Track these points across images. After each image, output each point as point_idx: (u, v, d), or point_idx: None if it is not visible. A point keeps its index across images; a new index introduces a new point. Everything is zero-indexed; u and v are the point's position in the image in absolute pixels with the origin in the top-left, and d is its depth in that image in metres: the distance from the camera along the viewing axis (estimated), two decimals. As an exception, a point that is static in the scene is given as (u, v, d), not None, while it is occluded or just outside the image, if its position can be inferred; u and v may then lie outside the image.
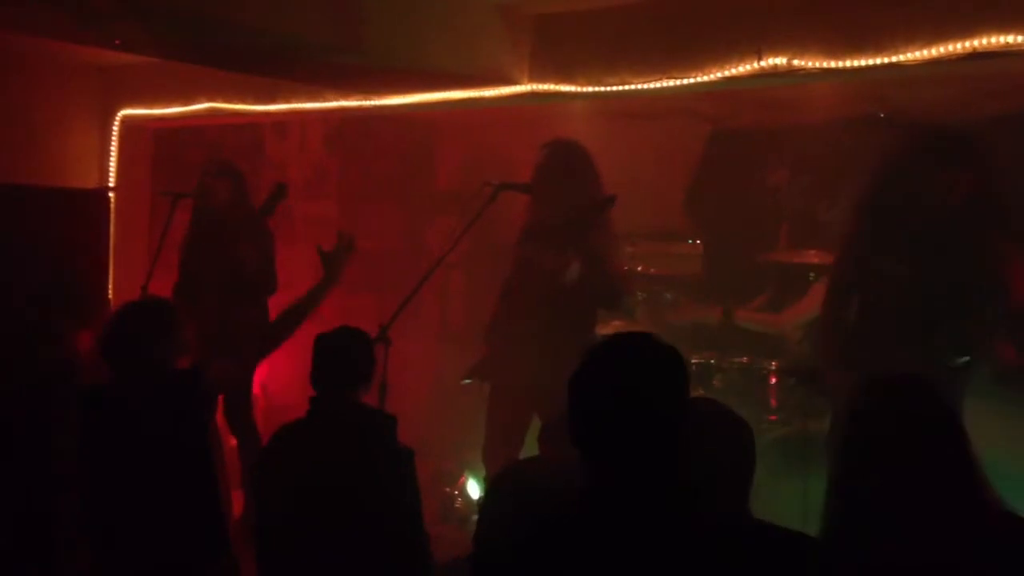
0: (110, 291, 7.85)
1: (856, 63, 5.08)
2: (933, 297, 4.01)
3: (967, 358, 3.94)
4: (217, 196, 5.81)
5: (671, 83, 5.69)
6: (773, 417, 5.22)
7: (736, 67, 5.43)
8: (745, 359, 5.73)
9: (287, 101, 7.34)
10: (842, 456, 2.44)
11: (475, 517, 3.63)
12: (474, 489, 6.02)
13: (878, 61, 5.01)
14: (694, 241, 6.49)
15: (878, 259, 4.16)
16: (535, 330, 4.75)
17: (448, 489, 6.16)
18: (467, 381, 5.12)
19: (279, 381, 7.26)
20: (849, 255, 4.36)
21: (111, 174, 8.39)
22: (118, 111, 8.32)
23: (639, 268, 5.98)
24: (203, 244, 5.86)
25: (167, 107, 7.96)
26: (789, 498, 4.13)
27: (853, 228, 4.39)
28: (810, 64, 5.20)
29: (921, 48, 4.90)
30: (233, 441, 5.88)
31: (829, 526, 2.41)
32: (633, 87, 5.81)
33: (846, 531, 2.34)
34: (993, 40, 4.74)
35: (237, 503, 5.29)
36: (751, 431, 2.64)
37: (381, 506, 3.38)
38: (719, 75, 5.48)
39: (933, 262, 4.02)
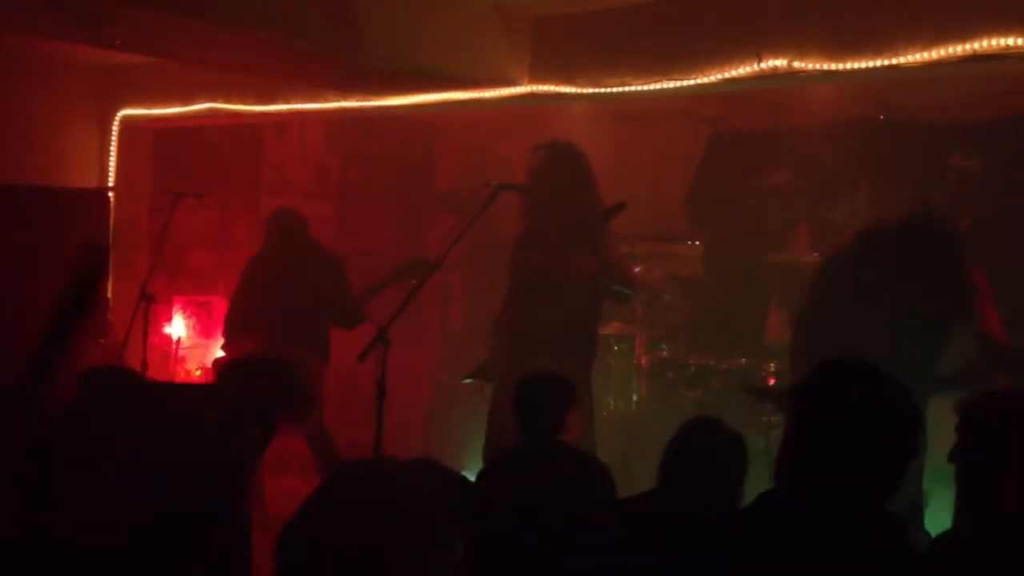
0: (109, 291, 7.84)
1: (856, 65, 5.08)
2: (903, 337, 4.08)
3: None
4: (290, 233, 5.95)
5: (671, 85, 5.69)
6: (772, 419, 5.22)
7: (736, 69, 5.43)
8: (743, 360, 5.73)
9: (287, 102, 7.34)
10: (962, 455, 2.53)
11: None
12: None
13: (878, 63, 5.02)
14: (694, 243, 6.49)
15: (845, 303, 4.24)
16: (540, 331, 4.75)
17: (447, 490, 6.15)
18: (468, 380, 5.12)
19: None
20: (822, 292, 4.43)
21: (111, 174, 8.39)
22: (118, 111, 8.32)
23: (639, 269, 5.98)
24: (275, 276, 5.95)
25: (167, 107, 7.96)
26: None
27: (830, 269, 4.46)
28: (810, 66, 5.20)
29: (921, 50, 4.91)
30: None
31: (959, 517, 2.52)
32: (633, 89, 5.82)
33: (971, 520, 2.46)
34: (993, 42, 4.74)
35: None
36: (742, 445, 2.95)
37: None
38: (719, 77, 5.49)
39: (899, 303, 4.13)
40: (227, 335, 6.05)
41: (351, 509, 3.15)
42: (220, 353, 6.33)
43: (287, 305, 5.72)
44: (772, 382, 5.50)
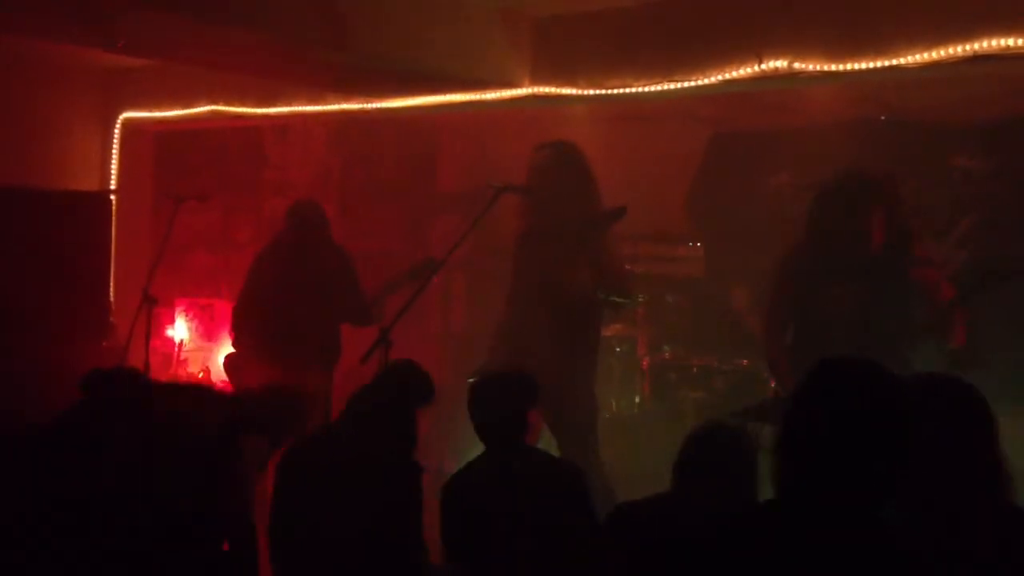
0: (111, 294, 7.85)
1: (857, 66, 5.09)
2: (873, 318, 4.26)
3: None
4: (307, 224, 5.86)
5: (672, 86, 5.71)
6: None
7: (737, 70, 5.44)
8: (745, 362, 5.74)
9: (288, 104, 7.36)
10: None
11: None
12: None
13: (879, 64, 5.03)
14: (695, 244, 6.50)
15: (816, 285, 4.38)
16: (541, 333, 4.75)
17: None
18: (473, 380, 5.12)
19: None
20: (786, 284, 4.53)
21: (113, 177, 8.40)
22: (120, 114, 8.33)
23: (640, 270, 5.99)
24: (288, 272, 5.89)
25: (168, 110, 7.98)
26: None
27: (790, 262, 4.56)
28: (811, 67, 5.21)
29: (921, 51, 4.92)
30: None
31: None
32: (634, 90, 5.83)
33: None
34: (993, 43, 4.75)
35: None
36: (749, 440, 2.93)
37: None
38: (720, 78, 5.50)
39: (869, 285, 4.29)
40: (234, 330, 6.02)
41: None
42: (230, 349, 6.31)
43: (295, 300, 5.70)
44: (774, 383, 5.50)
